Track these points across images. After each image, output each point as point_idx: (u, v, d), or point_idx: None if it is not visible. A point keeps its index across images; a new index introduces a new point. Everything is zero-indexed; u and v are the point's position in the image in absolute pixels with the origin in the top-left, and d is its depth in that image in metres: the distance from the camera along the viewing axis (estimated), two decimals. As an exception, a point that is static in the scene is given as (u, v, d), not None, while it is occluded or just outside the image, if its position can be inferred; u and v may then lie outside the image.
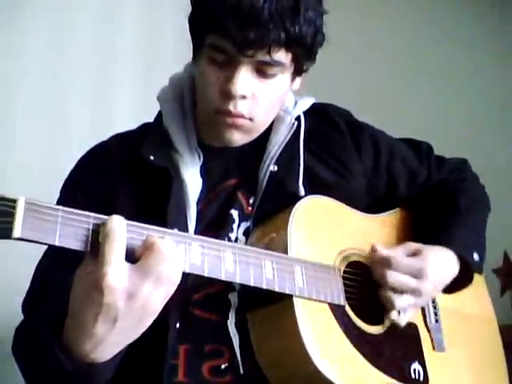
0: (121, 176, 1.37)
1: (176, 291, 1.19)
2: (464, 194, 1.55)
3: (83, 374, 1.01)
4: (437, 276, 1.37)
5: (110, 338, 0.95)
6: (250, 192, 1.38)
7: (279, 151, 1.40)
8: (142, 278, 0.93)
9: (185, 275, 1.21)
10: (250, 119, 1.32)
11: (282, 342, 1.19)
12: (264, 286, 1.15)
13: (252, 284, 1.13)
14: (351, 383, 1.19)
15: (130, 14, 2.84)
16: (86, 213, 0.95)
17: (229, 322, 1.27)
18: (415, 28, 2.94)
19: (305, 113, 1.49)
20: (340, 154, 1.47)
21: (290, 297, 1.19)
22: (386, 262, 1.32)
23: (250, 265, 1.14)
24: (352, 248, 1.37)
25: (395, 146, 1.56)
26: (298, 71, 1.36)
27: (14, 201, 0.89)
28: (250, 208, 1.37)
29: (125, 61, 2.78)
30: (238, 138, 1.35)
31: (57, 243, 0.91)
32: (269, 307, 1.21)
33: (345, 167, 1.46)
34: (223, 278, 1.10)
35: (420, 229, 1.52)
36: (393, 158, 1.53)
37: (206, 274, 1.07)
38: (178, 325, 1.25)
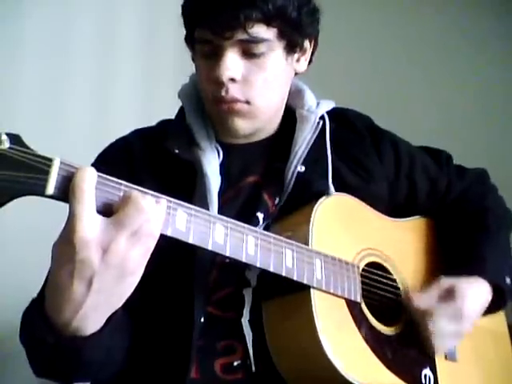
0: (143, 168, 1.38)
1: (200, 290, 1.22)
2: (492, 212, 1.55)
3: (66, 348, 1.00)
4: (474, 312, 1.38)
5: (88, 301, 0.94)
6: (276, 193, 1.38)
7: (306, 151, 1.40)
8: (117, 230, 0.92)
9: (207, 274, 1.26)
10: (247, 102, 1.31)
11: (295, 332, 1.20)
12: (283, 274, 1.16)
13: (271, 270, 1.15)
14: (361, 379, 1.19)
15: (131, 12, 2.86)
16: (118, 180, 0.97)
17: (243, 319, 1.28)
18: (415, 28, 2.95)
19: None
20: (361, 158, 1.47)
21: (307, 288, 1.20)
22: (427, 314, 1.33)
23: (271, 251, 1.16)
24: (372, 248, 1.38)
25: (415, 153, 1.56)
26: (291, 47, 1.34)
27: (50, 160, 0.91)
28: (274, 207, 1.37)
29: (125, 61, 2.80)
30: (242, 124, 1.34)
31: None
32: (285, 297, 1.22)
33: (366, 171, 1.45)
34: (244, 260, 1.11)
35: (445, 245, 1.52)
36: (413, 164, 1.53)
37: (227, 254, 1.09)
38: (202, 319, 1.25)
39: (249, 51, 1.28)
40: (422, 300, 1.34)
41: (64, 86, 2.56)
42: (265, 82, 1.31)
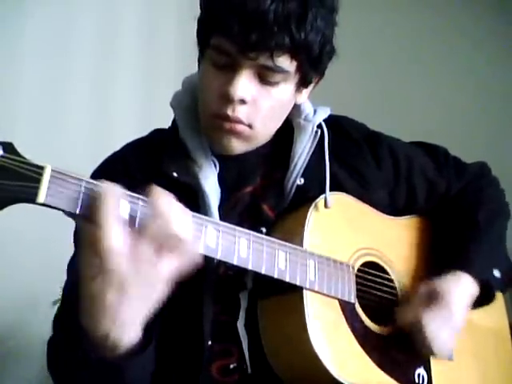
0: (142, 188, 1.33)
1: (209, 302, 1.23)
2: (483, 207, 1.53)
3: (109, 366, 1.02)
4: (462, 307, 1.37)
5: (124, 307, 0.95)
6: (277, 205, 1.35)
7: (305, 163, 1.37)
8: (142, 239, 0.95)
9: (214, 286, 1.26)
10: (249, 126, 1.27)
11: (288, 332, 1.21)
12: (275, 276, 1.17)
13: (263, 272, 1.15)
14: (352, 380, 1.20)
15: (131, 12, 2.87)
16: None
17: (238, 322, 1.28)
18: (415, 28, 2.96)
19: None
20: (358, 166, 1.44)
21: (300, 289, 1.20)
22: (415, 324, 1.32)
23: (264, 253, 1.16)
24: (369, 248, 1.38)
25: (413, 156, 1.53)
26: (302, 82, 1.32)
27: (42, 168, 0.92)
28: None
29: (125, 61, 2.81)
30: (237, 145, 1.30)
31: (78, 212, 0.94)
32: (279, 296, 1.22)
33: (365, 180, 1.43)
34: (235, 262, 1.12)
35: (439, 242, 1.52)
36: (412, 169, 1.51)
37: (218, 257, 1.09)
38: (209, 341, 1.25)
39: (265, 78, 1.24)
40: (407, 313, 1.34)
41: (64, 86, 2.58)
42: (270, 109, 1.28)
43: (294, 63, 1.24)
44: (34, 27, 2.48)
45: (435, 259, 1.49)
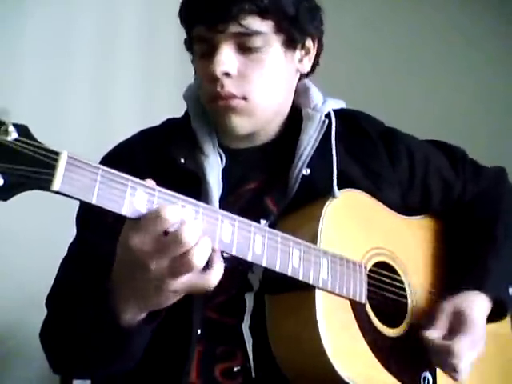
0: (145, 174, 1.29)
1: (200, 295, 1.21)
2: (500, 221, 1.50)
3: (122, 329, 1.06)
4: (484, 332, 1.35)
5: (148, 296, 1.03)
6: (280, 197, 1.35)
7: (311, 153, 1.36)
8: (160, 253, 0.98)
9: None
10: (244, 98, 1.29)
11: (297, 329, 1.20)
12: (289, 274, 1.15)
13: (277, 270, 1.14)
14: (358, 380, 1.19)
15: (131, 12, 2.88)
16: (125, 175, 0.97)
17: (243, 324, 1.27)
18: (415, 27, 2.97)
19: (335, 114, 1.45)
20: (371, 163, 1.43)
21: (312, 287, 1.19)
22: (452, 355, 1.29)
23: (278, 250, 1.14)
24: (382, 248, 1.37)
25: (430, 156, 1.52)
26: (288, 43, 1.32)
27: (57, 154, 0.89)
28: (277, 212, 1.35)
29: (125, 61, 2.81)
30: (238, 122, 1.31)
31: (93, 201, 0.92)
32: (290, 294, 1.21)
33: (378, 177, 1.42)
34: (250, 259, 1.10)
35: (452, 248, 1.50)
36: (428, 170, 1.49)
37: (233, 253, 1.08)
38: (199, 331, 1.25)
39: (244, 45, 1.27)
40: (434, 334, 1.31)
41: (64, 86, 2.57)
42: (262, 77, 1.29)
43: (268, 23, 1.27)
44: (33, 27, 2.47)
45: (447, 264, 1.48)
